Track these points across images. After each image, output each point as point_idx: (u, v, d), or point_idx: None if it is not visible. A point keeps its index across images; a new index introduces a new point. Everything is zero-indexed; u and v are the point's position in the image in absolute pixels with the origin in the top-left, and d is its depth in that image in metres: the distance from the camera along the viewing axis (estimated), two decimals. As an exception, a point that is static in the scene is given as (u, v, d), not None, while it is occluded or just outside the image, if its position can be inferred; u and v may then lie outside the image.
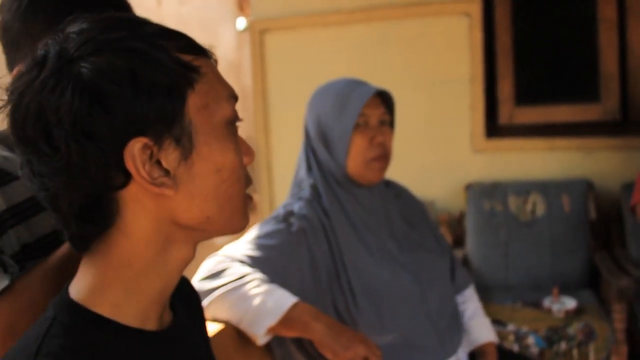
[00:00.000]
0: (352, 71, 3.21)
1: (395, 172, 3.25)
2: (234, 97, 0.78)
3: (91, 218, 0.72)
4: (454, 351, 1.59)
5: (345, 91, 1.56)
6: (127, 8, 1.16)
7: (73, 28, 0.71)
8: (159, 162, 0.71)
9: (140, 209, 0.72)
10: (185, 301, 0.91)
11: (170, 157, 0.71)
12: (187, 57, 0.73)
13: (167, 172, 0.71)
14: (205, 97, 0.74)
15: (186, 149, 0.72)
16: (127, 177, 0.70)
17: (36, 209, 1.00)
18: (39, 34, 1.00)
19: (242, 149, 0.79)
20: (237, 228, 0.79)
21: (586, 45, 3.29)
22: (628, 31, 3.23)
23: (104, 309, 0.73)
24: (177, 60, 0.72)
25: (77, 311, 0.72)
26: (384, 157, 1.57)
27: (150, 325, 0.77)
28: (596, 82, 3.26)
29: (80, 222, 0.72)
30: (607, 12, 3.24)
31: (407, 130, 3.23)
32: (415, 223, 1.73)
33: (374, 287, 1.52)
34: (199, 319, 0.96)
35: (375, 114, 1.56)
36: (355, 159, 1.55)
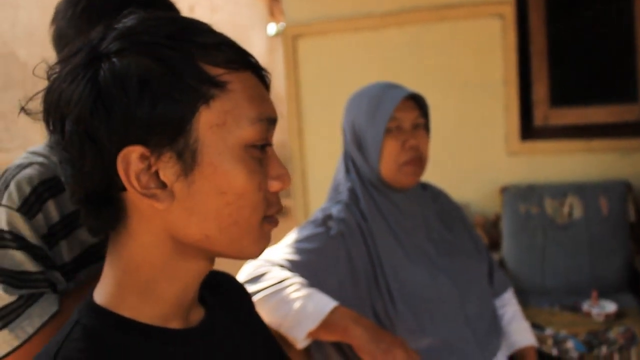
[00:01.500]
0: (384, 75, 3.22)
1: (430, 175, 3.25)
2: (266, 120, 0.74)
3: (96, 214, 0.72)
4: (493, 355, 1.58)
5: (377, 95, 1.56)
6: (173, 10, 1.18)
7: (118, 23, 0.71)
8: (157, 173, 0.69)
9: (141, 216, 0.71)
10: (227, 299, 0.90)
11: (169, 170, 0.69)
12: (217, 71, 0.71)
13: (163, 185, 0.70)
14: (224, 115, 0.71)
15: (187, 165, 0.69)
16: None
17: None
18: None
19: (272, 173, 0.76)
20: (247, 254, 0.76)
21: (622, 45, 3.25)
22: (666, 29, 3.18)
23: (125, 311, 0.73)
24: (199, 73, 0.69)
25: (99, 314, 0.73)
26: (418, 160, 1.56)
27: (174, 324, 0.76)
28: (633, 82, 3.21)
29: (87, 214, 0.73)
30: (643, 10, 3.19)
31: (441, 133, 3.21)
32: (453, 226, 1.72)
33: (412, 291, 1.52)
34: (246, 316, 0.94)
35: (409, 118, 1.55)
36: (388, 163, 1.55)
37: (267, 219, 0.76)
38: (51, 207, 1.03)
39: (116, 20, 0.72)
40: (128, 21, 0.71)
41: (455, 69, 3.24)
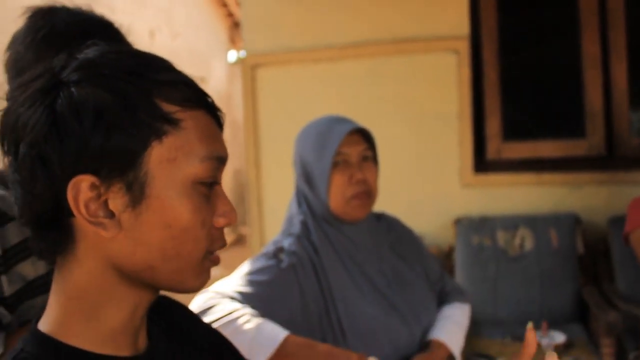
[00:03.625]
0: (342, 106, 3.27)
1: (384, 206, 3.27)
2: (215, 159, 0.76)
3: (44, 237, 0.73)
4: None
5: (323, 131, 1.59)
6: (123, 41, 1.19)
7: (80, 53, 0.73)
8: (106, 203, 0.71)
9: (88, 242, 0.72)
10: (173, 328, 0.90)
11: (117, 200, 0.71)
12: (171, 108, 0.72)
13: (112, 215, 0.71)
14: (175, 151, 0.72)
15: (136, 197, 0.71)
16: None
17: (30, 251, 1.02)
18: None
19: (219, 210, 0.77)
20: (188, 287, 0.77)
21: (571, 82, 3.36)
22: (611, 68, 3.30)
23: (71, 339, 0.73)
24: (153, 109, 0.71)
25: (43, 342, 0.72)
26: (366, 194, 1.58)
27: (123, 352, 0.76)
28: (582, 118, 3.32)
29: (38, 237, 0.73)
30: (591, 49, 3.31)
31: (397, 164, 3.27)
32: (407, 256, 1.74)
33: (363, 324, 1.53)
34: (194, 345, 0.93)
35: (355, 151, 1.58)
36: (336, 197, 1.57)
37: (209, 255, 0.78)
38: None
39: (79, 50, 0.74)
40: (90, 52, 0.73)
41: (411, 102, 3.30)
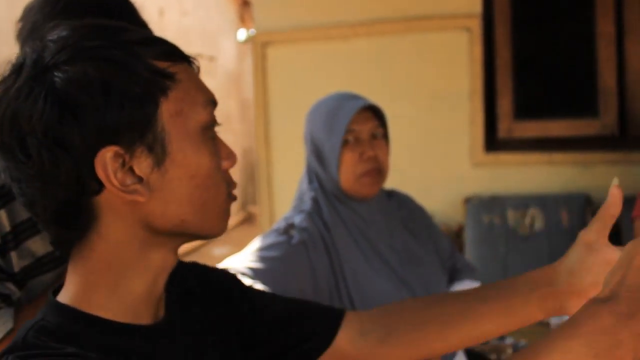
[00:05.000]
0: (352, 85, 3.25)
1: (395, 185, 3.27)
2: (212, 103, 0.79)
3: (68, 224, 0.73)
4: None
5: (334, 107, 1.58)
6: (138, 17, 1.19)
7: (52, 35, 0.73)
8: (132, 169, 0.72)
9: (115, 214, 0.73)
10: (189, 293, 0.90)
11: (142, 164, 0.72)
12: (163, 64, 0.74)
13: (140, 179, 0.72)
14: (180, 103, 0.75)
15: (159, 156, 0.73)
16: (100, 185, 0.71)
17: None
18: None
19: (222, 153, 0.79)
20: (215, 231, 0.80)
21: (585, 61, 3.32)
22: (626, 46, 3.26)
23: (92, 309, 0.74)
24: (151, 68, 0.73)
25: (65, 312, 0.74)
26: (377, 171, 1.58)
27: (144, 321, 0.78)
28: (594, 97, 3.29)
29: (58, 227, 0.74)
30: (605, 27, 3.27)
31: (407, 143, 3.26)
32: (418, 233, 1.74)
33: (374, 299, 1.54)
34: (209, 305, 0.93)
35: (366, 129, 1.57)
36: (347, 174, 1.57)
37: (230, 196, 0.81)
38: (2, 216, 1.03)
39: (45, 33, 0.74)
40: (61, 32, 0.73)
41: (422, 81, 3.28)
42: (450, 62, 3.25)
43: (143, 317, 0.78)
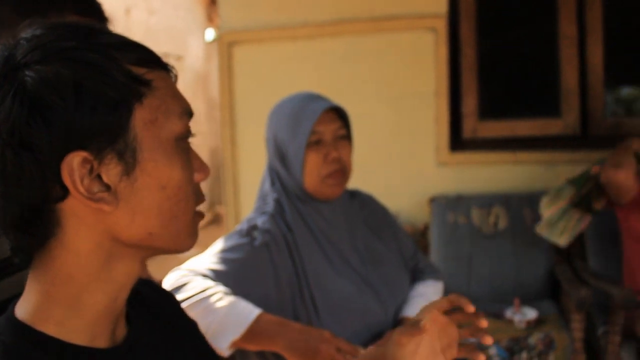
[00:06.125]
0: (319, 84, 3.26)
1: (361, 185, 3.27)
2: (187, 113, 0.77)
3: (29, 230, 0.71)
4: None
5: (297, 109, 1.58)
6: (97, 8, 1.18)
7: (25, 34, 0.71)
8: (99, 176, 0.70)
9: (80, 223, 0.71)
10: (150, 308, 0.89)
11: (111, 172, 0.70)
12: (139, 70, 0.72)
13: (107, 187, 0.70)
14: (155, 111, 0.73)
15: (129, 165, 0.70)
16: (65, 191, 0.69)
17: None
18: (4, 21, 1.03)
19: (194, 166, 0.78)
20: (183, 247, 0.78)
21: (548, 62, 3.37)
22: (587, 48, 3.32)
23: (49, 328, 0.71)
24: (127, 74, 0.71)
25: (20, 330, 0.71)
26: (341, 172, 1.59)
27: (101, 342, 0.75)
28: (557, 97, 3.34)
29: (18, 233, 0.71)
30: (568, 29, 3.32)
31: (373, 143, 3.28)
32: (381, 233, 1.75)
33: (336, 301, 1.54)
34: (171, 322, 0.93)
35: (330, 130, 1.57)
36: (311, 176, 1.57)
37: (197, 212, 0.79)
38: None
39: (19, 31, 0.72)
40: (36, 30, 0.71)
41: (389, 80, 3.29)
42: (416, 62, 3.28)
43: (101, 336, 0.75)
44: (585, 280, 2.73)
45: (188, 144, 0.78)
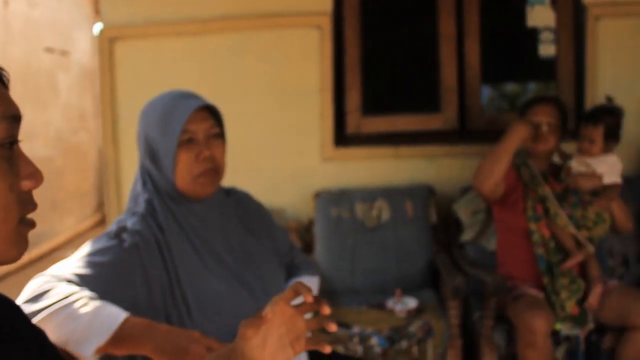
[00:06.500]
0: (204, 82, 3.24)
1: (246, 181, 3.29)
2: (10, 118, 0.74)
3: None
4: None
5: (169, 107, 1.57)
6: None
7: None
8: None
9: None
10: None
11: None
12: None
13: None
14: None
15: None
16: None
17: None
18: None
19: (23, 172, 0.75)
20: (6, 257, 0.75)
21: (428, 60, 3.50)
22: (465, 46, 3.47)
23: None
24: None
25: None
26: (213, 171, 1.59)
27: None
28: (437, 93, 3.48)
29: None
30: (447, 28, 3.46)
31: (259, 139, 3.30)
32: (256, 231, 1.76)
33: (209, 301, 1.55)
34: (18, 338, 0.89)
35: (202, 129, 1.57)
36: (183, 175, 1.56)
37: (24, 221, 0.75)
38: None
39: None
40: None
41: (274, 77, 3.32)
42: (302, 59, 3.32)
43: None
44: (463, 269, 2.86)
45: (11, 150, 0.74)
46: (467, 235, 3.01)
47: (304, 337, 1.01)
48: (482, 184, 2.59)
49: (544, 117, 2.67)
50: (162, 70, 3.34)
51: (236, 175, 3.32)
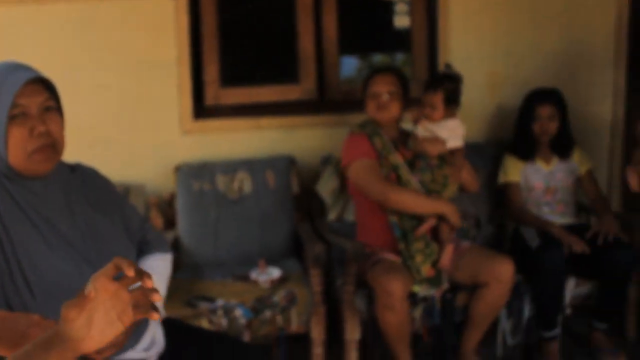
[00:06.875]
0: (52, 53, 3.07)
1: (104, 156, 3.17)
2: None
3: None
4: (136, 342, 1.61)
5: None
6: None
7: None
8: None
9: None
10: None
11: None
12: None
13: None
14: None
15: None
16: None
17: None
18: None
19: None
20: None
21: (286, 31, 3.50)
22: (323, 17, 3.50)
23: None
24: None
25: None
26: (50, 147, 1.50)
27: None
28: (295, 64, 3.49)
29: None
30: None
31: (114, 112, 3.17)
32: (103, 208, 1.68)
33: (56, 283, 1.48)
34: None
35: (35, 102, 1.48)
36: (16, 152, 1.47)
37: None
38: None
39: None
40: None
41: (127, 48, 3.18)
42: (157, 30, 3.20)
43: None
44: (324, 237, 2.92)
45: None
46: (332, 215, 3.06)
47: (130, 308, 1.01)
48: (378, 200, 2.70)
49: (384, 86, 2.77)
50: (2, 40, 3.11)
51: (92, 150, 3.20)
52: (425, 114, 2.74)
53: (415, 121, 2.79)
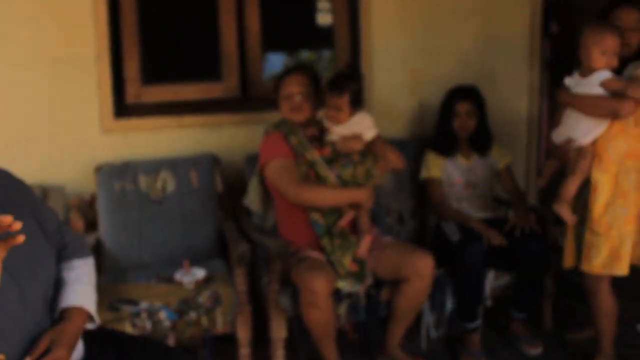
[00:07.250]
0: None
1: (20, 157, 3.06)
2: None
3: None
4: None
5: None
6: None
7: None
8: None
9: None
10: None
11: None
12: None
13: None
14: None
15: None
16: None
17: None
18: None
19: None
20: None
21: (209, 28, 3.46)
22: (246, 14, 3.47)
23: None
24: None
25: None
26: None
27: None
28: (218, 62, 3.46)
29: None
30: (226, -4, 3.43)
31: (30, 111, 3.06)
32: (18, 211, 1.62)
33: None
34: None
35: None
36: None
37: None
38: None
39: None
40: None
41: (42, 44, 3.06)
42: (74, 25, 3.10)
43: None
44: (249, 236, 2.91)
45: None
46: (268, 224, 3.02)
47: None
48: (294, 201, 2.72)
49: (296, 87, 2.78)
50: None
51: (8, 151, 3.08)
52: (331, 115, 2.75)
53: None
